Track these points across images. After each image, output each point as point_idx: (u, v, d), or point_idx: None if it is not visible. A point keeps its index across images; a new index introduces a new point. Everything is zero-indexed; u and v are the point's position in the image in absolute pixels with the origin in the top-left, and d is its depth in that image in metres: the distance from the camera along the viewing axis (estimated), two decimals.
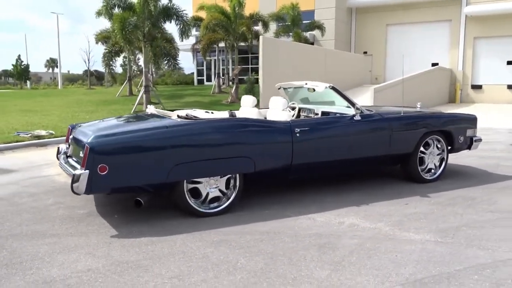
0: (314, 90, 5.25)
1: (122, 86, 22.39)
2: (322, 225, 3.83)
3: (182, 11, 15.10)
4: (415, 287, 2.68)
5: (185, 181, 3.93)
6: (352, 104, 4.87)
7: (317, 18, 26.43)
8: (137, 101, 14.99)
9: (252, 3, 28.00)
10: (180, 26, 15.09)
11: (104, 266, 3.02)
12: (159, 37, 16.17)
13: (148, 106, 5.15)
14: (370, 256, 3.15)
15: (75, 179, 3.55)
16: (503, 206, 4.36)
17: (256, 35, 18.47)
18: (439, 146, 5.43)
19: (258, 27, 21.31)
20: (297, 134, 4.38)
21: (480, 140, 5.83)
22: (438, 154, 5.42)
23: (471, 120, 5.72)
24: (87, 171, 3.55)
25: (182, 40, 15.66)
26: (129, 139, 3.77)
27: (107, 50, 14.18)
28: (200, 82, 32.33)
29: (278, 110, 4.91)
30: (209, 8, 20.41)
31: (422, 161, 5.32)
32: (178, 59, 14.92)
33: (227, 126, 4.13)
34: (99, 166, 3.57)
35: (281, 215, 4.11)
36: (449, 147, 5.55)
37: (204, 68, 31.85)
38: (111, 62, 14.26)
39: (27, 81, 45.33)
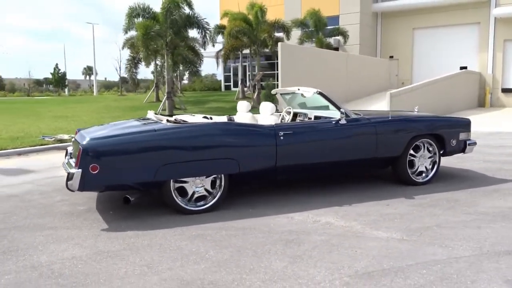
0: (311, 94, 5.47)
1: (150, 93, 23.14)
2: (297, 223, 4.05)
3: (203, 19, 15.58)
4: (362, 279, 2.87)
5: (171, 180, 4.24)
6: (338, 108, 5.06)
7: (342, 23, 26.48)
8: (160, 107, 15.56)
9: (277, 10, 28.41)
10: (202, 35, 15.56)
11: (87, 255, 3.36)
12: (183, 45, 16.72)
13: (148, 111, 5.51)
14: (331, 251, 3.35)
15: (69, 177, 3.94)
16: (483, 209, 4.43)
17: (278, 41, 18.72)
18: (430, 149, 5.52)
19: (281, 34, 21.58)
20: (281, 138, 4.62)
21: (474, 143, 5.87)
22: (429, 157, 5.52)
23: (465, 124, 5.78)
24: (80, 170, 3.92)
25: (204, 48, 16.12)
26: (118, 141, 4.13)
27: (130, 57, 14.84)
28: (228, 88, 32.94)
29: (267, 115, 5.16)
30: (232, 16, 20.89)
31: (412, 164, 5.43)
32: (197, 66, 15.35)
33: (211, 130, 4.43)
34: (90, 165, 3.94)
35: (263, 214, 4.35)
36: (442, 151, 5.63)
37: (231, 74, 32.40)
38: (133, 69, 14.90)
39: (64, 88, 47.36)
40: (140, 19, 14.87)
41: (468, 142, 5.76)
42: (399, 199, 4.84)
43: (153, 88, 22.50)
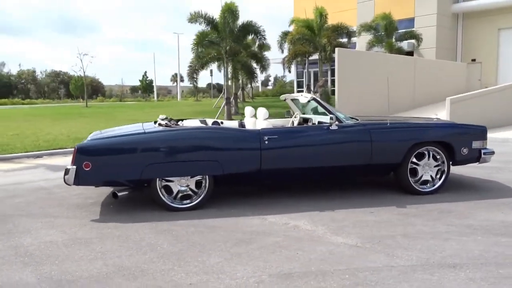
0: (308, 101, 5.54)
1: (218, 98, 24.14)
2: (266, 224, 4.18)
3: (259, 27, 15.98)
4: (279, 279, 2.96)
5: (157, 179, 4.61)
6: (330, 113, 5.07)
7: (417, 26, 25.38)
8: (218, 113, 16.24)
9: (350, 15, 28.00)
10: (258, 42, 15.97)
11: (63, 240, 3.83)
12: (246, 52, 17.27)
13: (160, 115, 5.94)
14: (273, 252, 3.46)
15: (66, 172, 4.47)
16: (472, 221, 4.17)
17: (340, 47, 18.53)
18: (438, 157, 5.27)
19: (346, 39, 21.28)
20: (266, 142, 4.77)
21: (491, 153, 5.47)
22: (435, 166, 5.27)
23: (479, 132, 5.42)
24: (74, 166, 4.44)
25: (260, 54, 16.50)
26: (109, 141, 4.61)
27: (191, 64, 15.76)
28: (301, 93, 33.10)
29: (260, 120, 5.33)
30: (298, 22, 21.05)
31: (415, 172, 5.23)
32: (255, 73, 15.78)
33: (195, 134, 4.73)
34: (84, 163, 4.44)
35: (241, 214, 4.53)
36: (452, 160, 5.34)
37: (304, 79, 32.52)
38: (194, 75, 15.78)
39: (150, 94, 50.90)
40: (200, 26, 15.75)
41: (483, 151, 5.39)
42: (389, 207, 4.72)
43: (222, 94, 23.42)
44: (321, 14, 18.78)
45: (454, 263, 3.16)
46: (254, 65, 17.06)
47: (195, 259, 3.34)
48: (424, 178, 5.25)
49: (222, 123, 6.22)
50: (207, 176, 4.72)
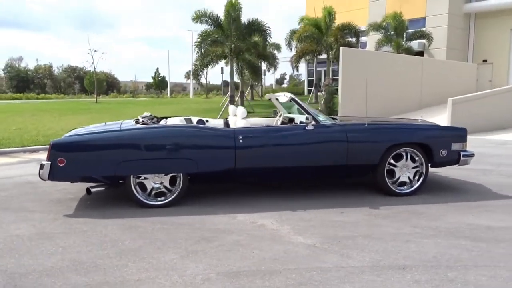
0: (290, 101, 5.54)
1: (226, 96, 24.22)
2: (233, 223, 4.21)
3: (264, 24, 15.98)
4: (226, 277, 2.99)
5: (132, 176, 4.68)
6: (308, 113, 5.07)
7: (429, 26, 25.08)
8: (221, 111, 16.30)
9: (361, 14, 27.78)
10: (263, 40, 15.99)
11: (30, 234, 3.91)
12: (252, 51, 17.28)
13: (145, 112, 6.02)
14: (230, 250, 3.49)
15: (41, 167, 4.57)
16: (440, 223, 4.15)
17: (347, 46, 18.41)
18: (416, 159, 5.24)
19: (353, 39, 21.13)
20: (240, 141, 4.80)
21: (471, 155, 5.42)
22: (413, 168, 5.24)
23: (458, 134, 5.36)
24: (49, 162, 4.54)
25: (266, 53, 16.51)
26: (83, 138, 4.70)
27: (196, 63, 15.84)
28: (311, 92, 33.01)
29: (239, 118, 5.35)
30: (307, 21, 20.99)
31: (392, 173, 5.21)
32: (259, 71, 15.80)
33: (169, 132, 4.78)
34: (58, 159, 4.53)
35: (212, 212, 4.57)
36: (431, 161, 5.31)
37: (314, 78, 32.41)
38: (200, 73, 15.87)
39: (163, 91, 51.31)
40: (204, 25, 15.84)
41: (462, 153, 5.34)
42: (362, 208, 4.71)
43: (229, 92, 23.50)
44: (329, 13, 18.69)
45: (404, 265, 3.15)
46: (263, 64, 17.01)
47: (151, 256, 3.39)
48: (401, 179, 5.23)
49: (207, 121, 6.27)
50: (181, 174, 4.77)
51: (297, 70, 22.82)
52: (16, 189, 5.73)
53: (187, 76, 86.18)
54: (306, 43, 19.93)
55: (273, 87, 60.37)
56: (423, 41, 24.03)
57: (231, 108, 6.14)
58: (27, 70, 78.78)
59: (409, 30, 24.33)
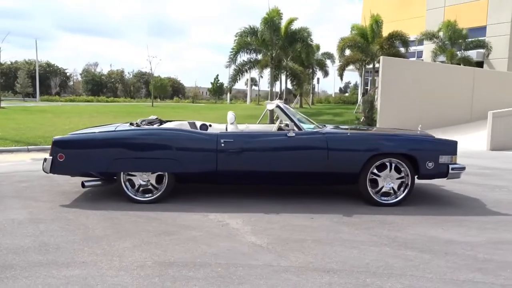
0: (276, 107, 5.73)
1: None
2: (201, 220, 4.50)
3: (306, 30, 16.13)
4: (160, 265, 3.29)
5: (122, 173, 5.13)
6: (291, 121, 5.25)
7: (489, 35, 23.86)
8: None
9: (418, 23, 27.01)
10: (305, 50, 16.16)
11: (23, 219, 4.45)
12: (295, 59, 17.53)
13: (151, 116, 6.49)
14: (180, 244, 3.78)
15: (44, 161, 5.15)
16: (398, 234, 4.16)
17: (396, 55, 18.05)
18: (402, 170, 5.22)
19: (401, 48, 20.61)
20: (222, 144, 5.09)
21: (462, 169, 5.29)
22: (398, 178, 5.22)
23: (446, 146, 5.26)
24: (51, 157, 5.11)
25: (305, 63, 16.67)
26: (80, 137, 5.24)
27: (235, 69, 16.36)
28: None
29: (229, 123, 5.64)
30: (357, 29, 20.82)
31: (376, 183, 5.23)
32: (301, 79, 16.00)
33: (157, 134, 5.18)
34: (58, 154, 5.09)
35: (190, 210, 4.89)
36: (417, 173, 5.26)
37: (360, 87, 31.91)
38: (237, 78, 16.43)
39: (220, 96, 52.85)
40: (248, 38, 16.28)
41: (451, 166, 5.23)
42: (334, 215, 4.79)
43: (276, 98, 23.86)
44: (376, 22, 18.44)
45: (331, 269, 3.27)
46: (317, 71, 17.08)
47: (108, 243, 3.77)
48: (384, 190, 5.23)
49: (210, 126, 6.63)
50: (166, 173, 5.15)
51: (341, 79, 22.70)
52: (37, 181, 6.42)
53: (247, 83, 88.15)
54: (353, 52, 19.77)
55: (333, 95, 59.91)
56: (482, 50, 22.87)
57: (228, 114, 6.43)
58: (101, 74, 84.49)
59: (468, 39, 23.27)
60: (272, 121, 16.86)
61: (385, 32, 20.84)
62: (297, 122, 5.27)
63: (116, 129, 5.30)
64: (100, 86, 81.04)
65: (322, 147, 5.13)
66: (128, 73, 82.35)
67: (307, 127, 5.40)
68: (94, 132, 5.34)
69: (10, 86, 62.80)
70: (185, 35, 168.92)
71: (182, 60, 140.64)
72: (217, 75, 52.99)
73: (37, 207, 4.96)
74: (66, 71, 79.77)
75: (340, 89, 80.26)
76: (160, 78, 68.07)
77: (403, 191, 5.25)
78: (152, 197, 5.18)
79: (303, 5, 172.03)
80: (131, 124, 5.51)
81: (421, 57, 27.26)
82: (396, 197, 5.24)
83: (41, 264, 3.30)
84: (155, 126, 5.59)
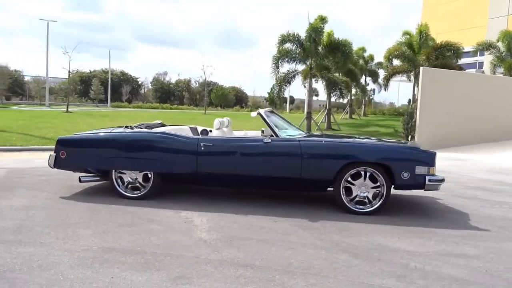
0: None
1: (319, 113, 24.54)
2: (169, 217, 4.86)
3: (345, 45, 16.10)
4: (103, 250, 3.68)
5: (113, 170, 5.66)
6: (270, 127, 5.49)
7: None
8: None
9: (478, 32, 25.77)
10: (343, 59, 16.12)
11: (20, 206, 5.09)
12: (331, 69, 17.54)
13: (156, 120, 7.00)
14: (134, 234, 4.16)
15: (49, 157, 5.82)
16: (349, 240, 4.23)
17: (445, 66, 17.41)
18: (377, 179, 5.25)
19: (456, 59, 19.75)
20: (202, 148, 5.45)
21: (440, 180, 5.19)
22: (373, 187, 5.25)
23: (425, 157, 5.20)
24: (54, 154, 5.77)
25: (339, 73, 16.60)
26: (80, 137, 5.86)
27: (281, 77, 16.61)
28: None
29: (214, 128, 5.98)
30: (408, 35, 20.35)
31: (350, 191, 5.30)
32: (342, 88, 15.99)
33: (144, 136, 5.65)
34: (60, 152, 5.73)
35: (168, 207, 5.27)
36: (392, 183, 5.26)
37: (411, 97, 30.80)
38: (283, 88, 16.68)
39: (277, 105, 53.27)
40: (288, 44, 16.52)
41: (428, 177, 5.16)
42: (300, 219, 4.91)
43: (322, 110, 23.80)
44: (421, 32, 17.93)
45: (251, 264, 3.48)
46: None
47: (73, 230, 4.25)
48: (359, 198, 5.28)
49: (211, 131, 7.02)
50: (152, 172, 5.60)
51: (385, 89, 22.13)
52: (55, 176, 7.16)
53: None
54: (401, 61, 19.32)
55: (387, 106, 58.44)
56: None
57: (226, 120, 6.77)
58: (169, 83, 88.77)
59: None
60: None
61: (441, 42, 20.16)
62: (274, 129, 5.49)
63: (111, 132, 5.85)
64: (168, 94, 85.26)
65: (295, 154, 5.30)
66: (195, 81, 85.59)
67: (286, 134, 5.60)
68: (92, 133, 5.93)
69: (87, 93, 68.26)
70: (253, 44, 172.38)
71: (247, 69, 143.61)
72: (273, 85, 53.87)
73: (38, 197, 5.61)
74: (138, 79, 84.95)
75: (409, 100, 77.52)
76: (221, 87, 70.40)
77: (379, 201, 5.26)
78: (140, 194, 5.65)
79: (374, 13, 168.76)
80: (126, 127, 6.04)
81: (482, 68, 25.91)
82: (372, 206, 5.26)
83: (7, 241, 3.83)
84: (145, 129, 6.07)
